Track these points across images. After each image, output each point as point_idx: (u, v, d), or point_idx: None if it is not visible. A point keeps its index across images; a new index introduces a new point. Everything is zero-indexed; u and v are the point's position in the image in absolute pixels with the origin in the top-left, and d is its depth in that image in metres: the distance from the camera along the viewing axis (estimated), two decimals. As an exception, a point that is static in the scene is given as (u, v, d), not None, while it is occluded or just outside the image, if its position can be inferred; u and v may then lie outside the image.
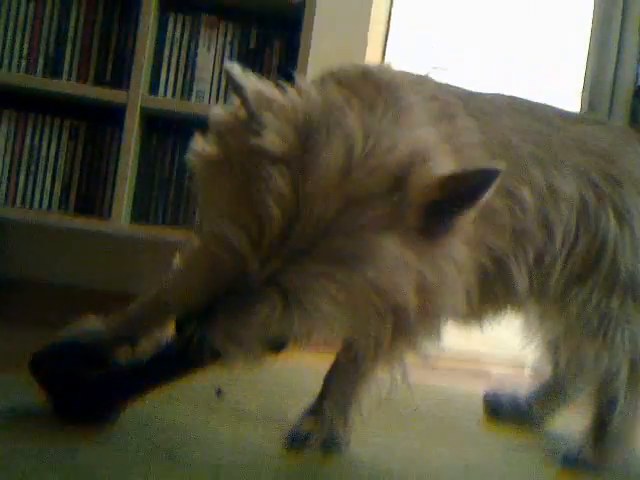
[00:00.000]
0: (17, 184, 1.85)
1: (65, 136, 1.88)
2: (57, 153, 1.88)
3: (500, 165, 0.75)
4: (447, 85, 1.08)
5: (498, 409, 1.42)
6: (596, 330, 1.12)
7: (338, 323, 0.79)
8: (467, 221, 0.79)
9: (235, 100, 0.85)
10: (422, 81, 1.01)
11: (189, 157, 0.88)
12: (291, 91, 0.82)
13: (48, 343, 1.04)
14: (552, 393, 1.41)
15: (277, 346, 0.87)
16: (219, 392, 1.15)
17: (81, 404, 0.99)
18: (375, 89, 0.86)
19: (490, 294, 1.07)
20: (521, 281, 1.08)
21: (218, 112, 0.86)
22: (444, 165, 0.78)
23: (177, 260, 0.93)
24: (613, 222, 1.10)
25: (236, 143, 0.80)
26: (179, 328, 0.80)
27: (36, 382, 1.00)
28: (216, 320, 0.77)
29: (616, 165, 1.13)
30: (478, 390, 1.50)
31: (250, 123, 0.78)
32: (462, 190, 0.75)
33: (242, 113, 0.83)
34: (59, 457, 0.87)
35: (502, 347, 1.75)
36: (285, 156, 0.75)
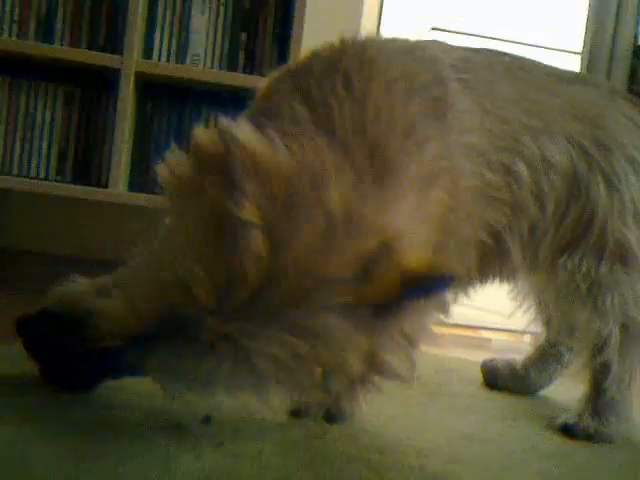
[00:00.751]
0: (12, 153, 1.82)
1: (60, 102, 1.84)
2: (52, 120, 1.84)
3: (454, 272, 0.80)
4: (439, 48, 1.07)
5: (496, 377, 1.44)
6: (585, 296, 1.13)
7: (273, 385, 0.81)
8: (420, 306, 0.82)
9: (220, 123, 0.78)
10: (414, 71, 0.97)
11: (160, 168, 0.81)
12: (280, 148, 0.77)
13: (36, 307, 1.03)
14: (549, 359, 1.43)
15: None
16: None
17: (63, 374, 0.98)
18: (369, 150, 0.84)
19: (484, 267, 1.10)
20: (515, 254, 1.10)
21: (202, 135, 0.79)
22: (412, 255, 0.78)
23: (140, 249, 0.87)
24: (602, 190, 1.12)
25: (216, 187, 0.75)
26: (118, 349, 0.79)
27: (22, 345, 1.00)
28: (157, 355, 0.77)
29: (605, 130, 1.14)
30: (477, 358, 1.51)
31: (231, 188, 0.74)
32: (419, 290, 0.77)
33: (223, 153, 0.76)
34: (55, 432, 0.87)
35: (501, 314, 1.76)
36: (264, 225, 0.73)
